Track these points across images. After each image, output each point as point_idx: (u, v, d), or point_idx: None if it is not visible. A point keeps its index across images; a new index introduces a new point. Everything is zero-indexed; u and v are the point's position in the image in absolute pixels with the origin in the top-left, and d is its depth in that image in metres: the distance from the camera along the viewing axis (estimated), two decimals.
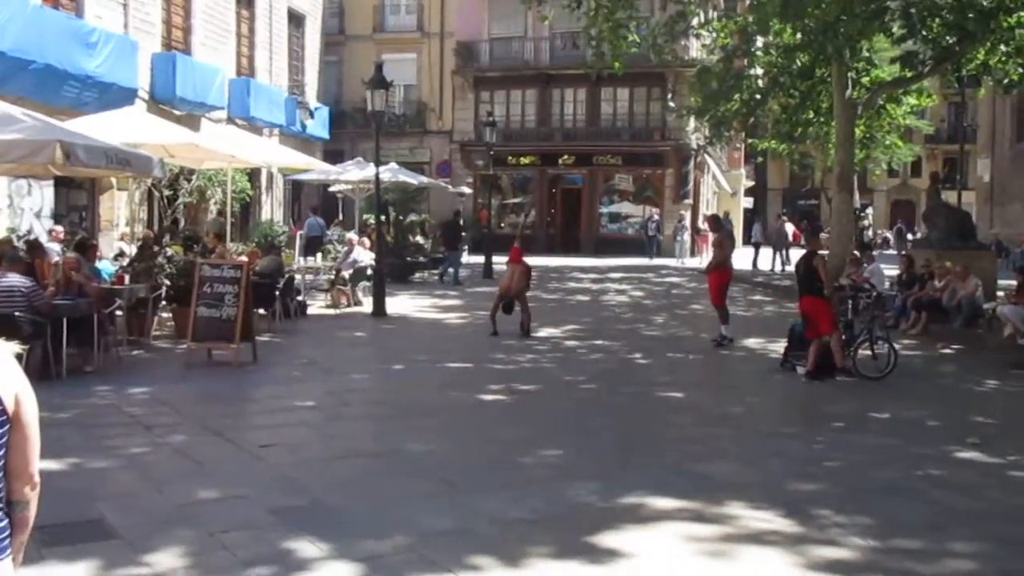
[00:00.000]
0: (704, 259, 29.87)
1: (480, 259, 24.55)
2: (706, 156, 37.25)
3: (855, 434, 7.65)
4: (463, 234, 23.30)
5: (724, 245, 12.92)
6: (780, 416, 8.64)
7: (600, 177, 35.00)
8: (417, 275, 22.34)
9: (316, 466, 6.25)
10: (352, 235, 18.46)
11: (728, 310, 12.75)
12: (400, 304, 16.45)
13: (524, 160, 34.75)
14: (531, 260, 14.68)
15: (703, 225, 32.24)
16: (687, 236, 31.81)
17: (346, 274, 16.23)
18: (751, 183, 53.23)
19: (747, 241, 33.59)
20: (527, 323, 13.03)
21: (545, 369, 10.57)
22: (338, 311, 15.42)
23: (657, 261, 30.26)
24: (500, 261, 18.89)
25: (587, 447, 6.95)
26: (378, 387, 9.60)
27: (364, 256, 16.72)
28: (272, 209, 26.93)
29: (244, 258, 11.99)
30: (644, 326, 15.07)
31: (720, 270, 12.70)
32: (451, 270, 21.84)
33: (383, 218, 19.53)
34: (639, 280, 24.01)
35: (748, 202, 51.06)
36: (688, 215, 33.42)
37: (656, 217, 32.78)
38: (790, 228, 29.77)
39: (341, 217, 28.01)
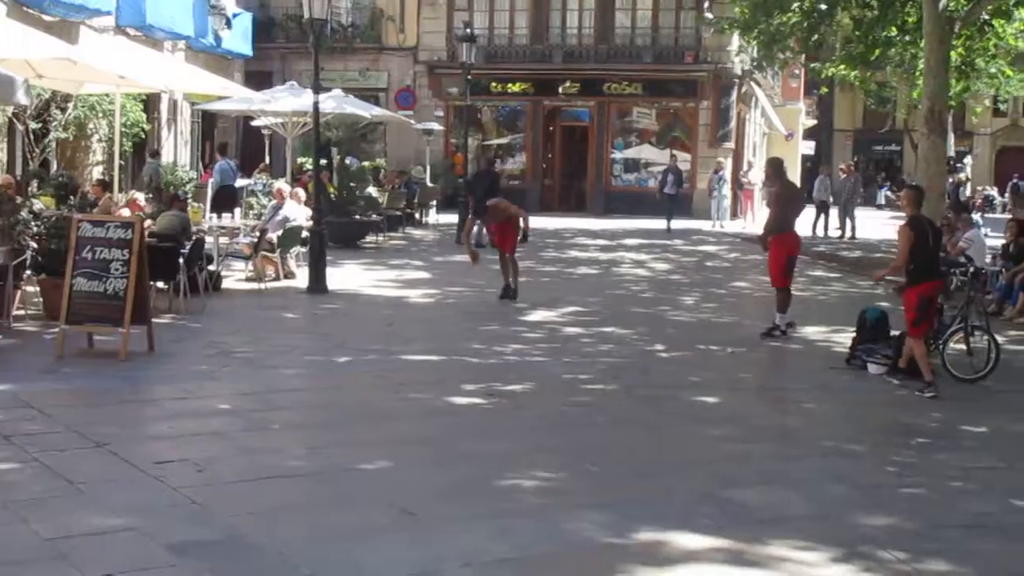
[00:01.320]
0: (748, 222, 29.95)
1: (453, 219, 24.53)
2: (753, 85, 37.21)
3: (942, 453, 7.72)
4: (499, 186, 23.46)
5: (784, 201, 12.65)
6: (844, 429, 8.67)
7: (613, 111, 34.91)
8: (369, 239, 22.32)
9: (231, 489, 6.26)
10: (282, 185, 18.37)
11: (791, 295, 12.72)
12: (346, 277, 16.47)
13: (513, 87, 34.61)
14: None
15: (746, 178, 32.25)
16: (727, 191, 31.75)
17: (274, 237, 16.17)
18: (812, 122, 53.28)
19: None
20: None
21: (537, 364, 10.60)
22: (263, 285, 15.40)
23: (680, 224, 29.16)
24: None
25: (590, 466, 6.98)
26: (315, 386, 9.61)
27: (298, 213, 16.67)
28: (176, 149, 26.75)
29: (127, 211, 11.89)
30: (669, 309, 15.14)
31: (782, 238, 12.57)
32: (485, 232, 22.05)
33: (324, 163, 19.45)
34: (662, 248, 24.04)
35: (808, 147, 51.11)
36: (728, 163, 33.35)
37: (678, 167, 30.66)
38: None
39: (268, 161, 27.86)
